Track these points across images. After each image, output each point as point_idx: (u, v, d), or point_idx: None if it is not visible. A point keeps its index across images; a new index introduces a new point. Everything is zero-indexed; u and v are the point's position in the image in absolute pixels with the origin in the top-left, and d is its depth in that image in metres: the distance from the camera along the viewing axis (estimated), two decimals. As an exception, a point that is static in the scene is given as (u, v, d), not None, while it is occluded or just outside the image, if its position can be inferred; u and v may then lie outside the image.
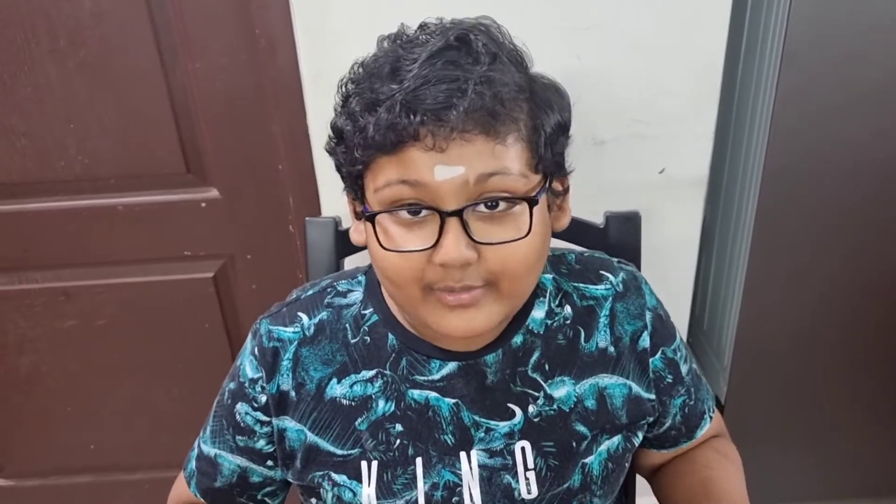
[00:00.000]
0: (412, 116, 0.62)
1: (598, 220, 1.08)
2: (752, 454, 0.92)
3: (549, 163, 0.68)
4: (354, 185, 0.71)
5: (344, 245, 1.11)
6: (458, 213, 0.64)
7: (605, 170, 1.28)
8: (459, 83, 0.62)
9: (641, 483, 1.01)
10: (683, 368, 0.86)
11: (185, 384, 1.63)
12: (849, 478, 1.65)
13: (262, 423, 0.82)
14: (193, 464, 0.88)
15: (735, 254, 1.44)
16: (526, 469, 0.79)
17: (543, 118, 0.68)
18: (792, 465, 1.61)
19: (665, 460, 0.93)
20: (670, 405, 0.86)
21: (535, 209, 0.67)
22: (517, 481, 0.79)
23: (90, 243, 1.47)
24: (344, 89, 0.70)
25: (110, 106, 1.33)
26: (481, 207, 0.66)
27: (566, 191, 0.77)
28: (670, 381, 0.85)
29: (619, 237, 1.08)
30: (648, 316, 0.83)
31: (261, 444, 0.83)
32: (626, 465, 0.86)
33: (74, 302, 1.53)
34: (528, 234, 0.66)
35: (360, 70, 0.69)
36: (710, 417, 0.91)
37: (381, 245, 0.68)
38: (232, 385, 0.84)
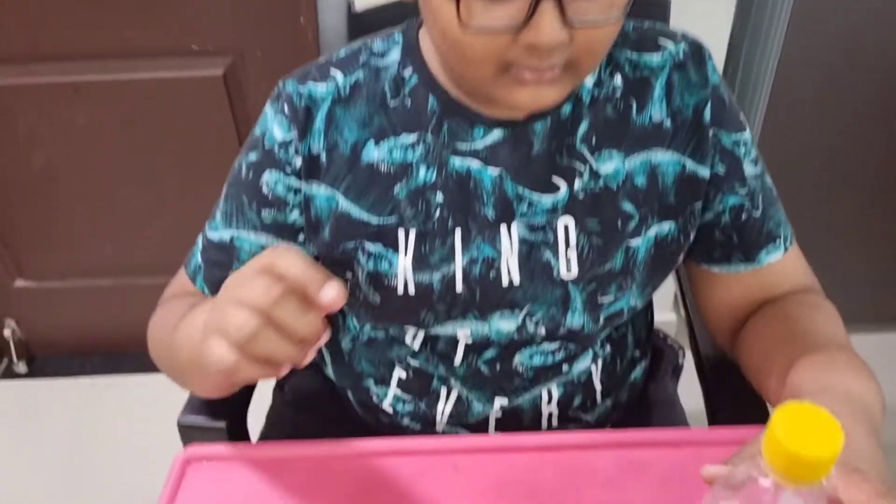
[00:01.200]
0: None
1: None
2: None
3: None
4: None
5: (357, 28, 1.09)
6: None
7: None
8: None
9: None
10: (747, 168, 0.77)
11: (195, 186, 1.61)
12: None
13: (296, 191, 0.76)
14: (199, 257, 0.81)
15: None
16: (567, 247, 0.75)
17: None
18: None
19: (728, 297, 0.82)
20: (718, 201, 0.78)
21: None
22: (557, 259, 0.75)
23: (98, 33, 1.43)
24: None
25: None
26: None
27: None
28: (721, 172, 0.76)
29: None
30: (710, 90, 0.75)
31: (294, 215, 0.77)
32: (676, 260, 0.79)
33: (84, 98, 1.51)
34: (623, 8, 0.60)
35: None
36: (786, 248, 0.80)
37: (460, 19, 0.58)
38: (253, 156, 0.76)
